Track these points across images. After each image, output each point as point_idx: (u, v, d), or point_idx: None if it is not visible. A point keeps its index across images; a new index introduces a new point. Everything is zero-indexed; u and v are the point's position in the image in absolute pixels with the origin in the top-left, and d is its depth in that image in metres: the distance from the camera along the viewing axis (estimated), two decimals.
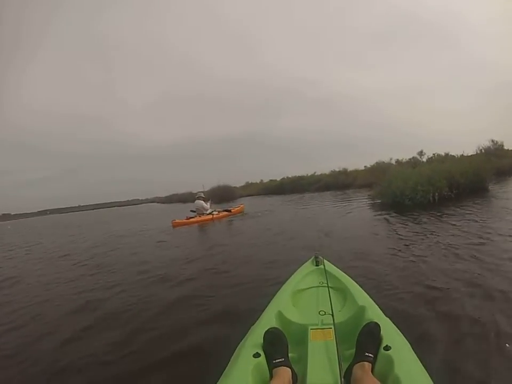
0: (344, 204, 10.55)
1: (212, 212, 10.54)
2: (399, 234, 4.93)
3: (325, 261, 2.28)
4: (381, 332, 1.25)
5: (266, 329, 1.30)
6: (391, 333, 1.30)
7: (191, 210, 10.68)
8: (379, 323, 1.29)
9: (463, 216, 5.71)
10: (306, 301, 1.79)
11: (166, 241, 7.24)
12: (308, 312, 1.63)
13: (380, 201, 9.32)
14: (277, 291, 1.95)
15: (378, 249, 4.18)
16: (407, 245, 4.20)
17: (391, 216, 6.78)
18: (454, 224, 5.08)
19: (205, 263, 4.66)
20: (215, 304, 2.85)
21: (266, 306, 1.73)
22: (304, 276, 2.11)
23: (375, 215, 7.28)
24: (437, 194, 7.94)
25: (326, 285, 1.83)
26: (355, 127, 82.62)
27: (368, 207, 8.96)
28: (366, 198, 11.27)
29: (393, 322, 1.49)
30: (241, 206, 12.52)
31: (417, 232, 4.90)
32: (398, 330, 1.42)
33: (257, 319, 1.59)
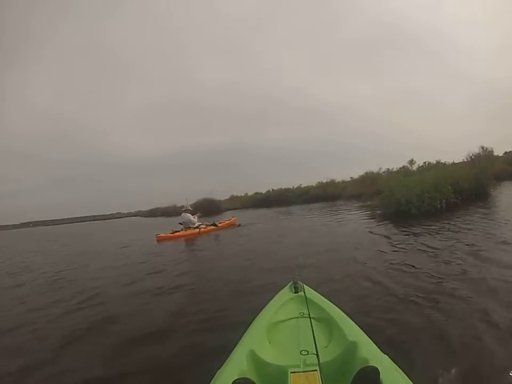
0: (339, 216, 9.61)
1: (199, 225, 9.79)
2: (414, 254, 3.95)
3: (305, 286, 1.94)
4: (381, 376, 0.95)
5: (234, 379, 1.00)
6: (392, 376, 1.01)
7: (180, 223, 9.95)
8: (377, 364, 1.01)
9: (478, 227, 4.96)
10: (284, 336, 1.50)
11: (142, 258, 6.12)
12: (287, 350, 1.34)
13: (379, 211, 8.53)
14: (249, 324, 1.63)
15: (386, 279, 3.13)
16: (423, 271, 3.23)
17: (397, 228, 5.95)
18: (474, 244, 3.96)
19: (178, 285, 3.89)
20: (176, 342, 2.25)
21: (236, 344, 1.40)
22: (282, 305, 1.79)
23: (379, 228, 6.39)
24: (444, 201, 7.25)
25: (308, 315, 1.50)
26: (343, 136, 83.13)
27: (369, 218, 8.05)
28: (362, 209, 10.67)
29: (393, 361, 1.18)
30: (233, 218, 11.51)
31: (433, 251, 3.89)
32: (401, 371, 1.13)
33: (225, 361, 1.26)
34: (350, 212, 10.47)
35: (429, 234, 5.01)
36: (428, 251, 3.96)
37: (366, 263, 3.79)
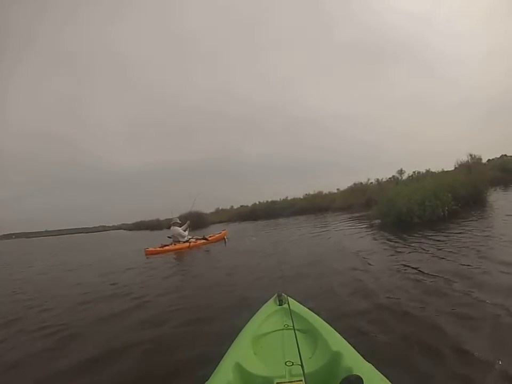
0: (333, 229, 8.91)
1: (189, 239, 9.10)
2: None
3: (289, 299, 1.88)
4: None
5: None
6: None
7: (168, 237, 9.29)
8: (361, 373, 0.99)
9: (486, 236, 4.53)
10: (269, 348, 1.47)
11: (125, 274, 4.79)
12: (272, 362, 1.31)
13: (377, 221, 8.01)
14: (235, 337, 1.60)
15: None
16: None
17: (400, 240, 5.37)
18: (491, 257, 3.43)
19: (166, 301, 3.61)
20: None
21: (222, 357, 1.37)
22: (266, 318, 1.76)
23: (381, 240, 5.77)
24: (446, 208, 6.81)
25: (292, 327, 1.47)
26: (338, 144, 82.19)
27: (368, 230, 7.40)
28: (355, 220, 10.21)
29: (378, 370, 1.16)
30: (224, 231, 10.81)
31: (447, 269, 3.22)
32: (385, 378, 1.11)
33: (212, 374, 1.24)
34: (344, 224, 9.83)
35: (437, 247, 4.36)
36: (441, 270, 3.26)
37: (371, 288, 3.05)
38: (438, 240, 4.81)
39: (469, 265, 3.24)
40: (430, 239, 5.04)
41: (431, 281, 2.95)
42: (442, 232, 5.42)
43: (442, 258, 3.74)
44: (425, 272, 3.27)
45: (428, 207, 6.73)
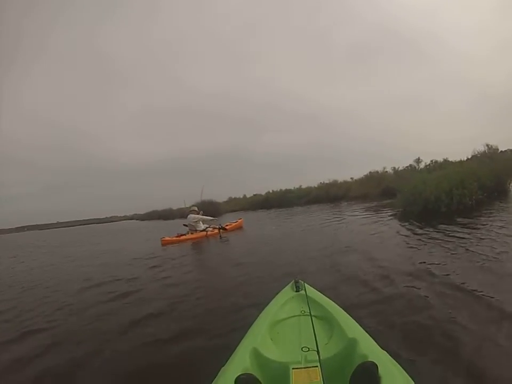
0: (355, 219, 8.64)
1: (206, 228, 9.18)
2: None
3: (306, 285, 1.94)
4: (379, 371, 0.97)
5: (237, 375, 1.03)
6: (390, 371, 1.03)
7: (184, 225, 9.32)
8: (375, 360, 1.02)
9: None
10: (286, 334, 1.50)
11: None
12: (288, 347, 1.35)
13: (401, 211, 7.84)
14: (252, 323, 1.61)
15: None
16: None
17: (435, 231, 5.03)
18: None
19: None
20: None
21: (239, 342, 1.40)
22: (283, 304, 1.79)
23: (414, 232, 5.40)
24: (473, 198, 6.89)
25: (309, 313, 1.51)
26: (340, 140, 79.66)
27: (393, 220, 7.21)
28: (374, 209, 10.21)
29: (392, 357, 1.19)
30: (240, 220, 10.88)
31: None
32: (399, 366, 1.13)
33: (229, 359, 1.27)
34: (363, 213, 9.69)
35: (475, 242, 3.95)
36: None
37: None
38: (472, 233, 4.51)
39: None
40: (464, 231, 4.70)
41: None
42: (474, 223, 5.23)
43: (483, 261, 3.16)
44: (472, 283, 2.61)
45: (455, 195, 6.80)
